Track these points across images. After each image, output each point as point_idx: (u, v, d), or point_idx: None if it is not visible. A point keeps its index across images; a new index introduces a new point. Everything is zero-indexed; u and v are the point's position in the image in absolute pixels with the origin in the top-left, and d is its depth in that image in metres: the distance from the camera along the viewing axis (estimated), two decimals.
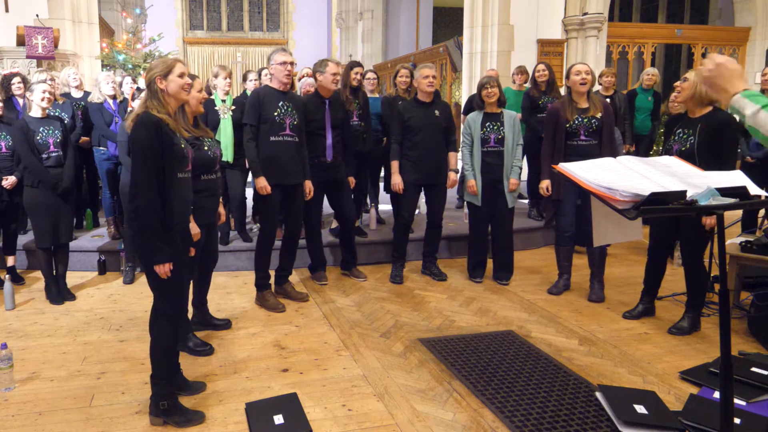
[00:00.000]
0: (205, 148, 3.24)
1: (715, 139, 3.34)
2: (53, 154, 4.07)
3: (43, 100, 4.04)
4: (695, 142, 3.40)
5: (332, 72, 4.25)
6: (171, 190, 2.49)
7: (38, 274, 4.65)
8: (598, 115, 4.08)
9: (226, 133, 4.76)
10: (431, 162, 4.49)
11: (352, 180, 4.59)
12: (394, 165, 4.49)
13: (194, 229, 3.05)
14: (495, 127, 4.42)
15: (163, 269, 2.44)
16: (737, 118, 1.58)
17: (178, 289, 2.60)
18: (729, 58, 1.62)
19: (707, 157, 3.29)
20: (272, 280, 4.23)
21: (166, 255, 2.43)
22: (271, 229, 4.10)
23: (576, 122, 4.08)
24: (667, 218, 3.65)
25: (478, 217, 4.60)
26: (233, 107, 4.83)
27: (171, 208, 2.49)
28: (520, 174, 4.48)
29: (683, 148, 3.43)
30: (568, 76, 4.18)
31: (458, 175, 4.91)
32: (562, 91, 6.55)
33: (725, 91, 1.59)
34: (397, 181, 4.48)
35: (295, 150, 4.02)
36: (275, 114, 3.91)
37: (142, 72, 7.27)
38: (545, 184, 4.23)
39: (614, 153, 3.97)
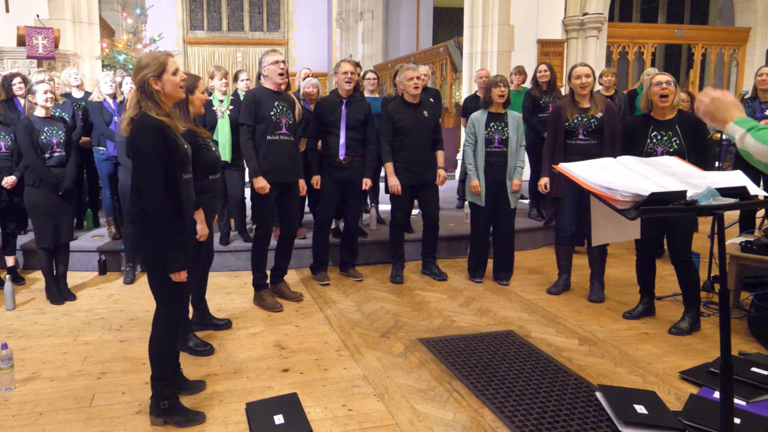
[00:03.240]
0: (214, 149, 3.27)
1: (694, 137, 3.55)
2: (56, 154, 4.07)
3: (46, 101, 4.05)
4: (682, 143, 3.54)
5: (343, 71, 4.33)
6: (180, 193, 2.45)
7: (38, 274, 4.66)
8: (599, 114, 4.06)
9: (223, 133, 4.77)
10: (421, 163, 4.51)
11: (368, 182, 4.55)
12: (389, 167, 4.50)
13: (205, 229, 3.10)
14: (499, 128, 4.42)
15: (179, 277, 2.41)
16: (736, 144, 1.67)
17: (182, 292, 2.60)
18: (724, 92, 1.71)
19: (694, 154, 3.42)
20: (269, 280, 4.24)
21: (181, 262, 2.40)
22: (267, 229, 4.13)
23: (575, 121, 4.08)
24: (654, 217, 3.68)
25: (480, 218, 4.59)
26: (230, 107, 4.84)
27: (182, 212, 2.46)
28: (522, 175, 4.50)
29: (671, 150, 3.54)
30: (570, 78, 4.18)
31: (448, 173, 4.95)
32: (563, 91, 6.55)
33: (723, 121, 1.69)
34: (394, 182, 4.48)
35: (291, 149, 4.05)
36: (271, 113, 3.93)
37: None
38: (544, 182, 4.24)
39: (616, 153, 3.95)
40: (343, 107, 4.36)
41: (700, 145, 3.56)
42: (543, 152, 4.28)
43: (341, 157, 4.38)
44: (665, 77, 3.60)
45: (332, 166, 4.42)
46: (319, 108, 4.45)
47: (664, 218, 3.63)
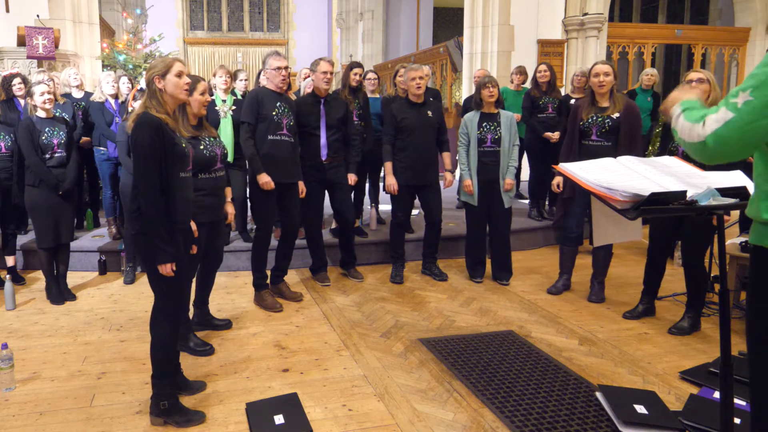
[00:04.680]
0: (201, 147, 3.24)
1: None
2: (56, 155, 4.07)
3: (44, 102, 4.04)
4: None
5: (323, 71, 4.23)
6: (174, 190, 2.50)
7: (38, 274, 4.66)
8: (615, 115, 3.97)
9: (226, 133, 4.77)
10: (424, 163, 4.50)
11: (352, 177, 4.53)
12: (388, 166, 4.50)
13: (191, 226, 3.06)
14: (492, 127, 4.42)
15: (166, 269, 2.45)
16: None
17: (179, 289, 2.61)
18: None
19: None
20: (269, 280, 4.24)
21: (169, 255, 2.44)
22: (267, 229, 4.12)
23: (589, 121, 4.03)
24: (668, 218, 3.65)
25: (474, 217, 4.60)
26: (233, 107, 4.84)
27: (174, 208, 2.50)
28: (515, 174, 4.50)
29: None
30: (589, 76, 4.12)
31: (455, 175, 4.93)
32: (563, 91, 6.55)
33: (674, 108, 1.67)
34: (391, 182, 4.48)
35: (291, 149, 4.05)
36: (273, 113, 3.94)
37: (143, 72, 7.28)
38: (557, 181, 4.23)
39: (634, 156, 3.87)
40: (322, 107, 4.30)
41: None
42: (561, 152, 4.26)
43: (323, 158, 4.33)
44: (698, 74, 3.38)
45: (313, 168, 4.32)
46: (296, 109, 4.25)
47: (680, 224, 3.62)
